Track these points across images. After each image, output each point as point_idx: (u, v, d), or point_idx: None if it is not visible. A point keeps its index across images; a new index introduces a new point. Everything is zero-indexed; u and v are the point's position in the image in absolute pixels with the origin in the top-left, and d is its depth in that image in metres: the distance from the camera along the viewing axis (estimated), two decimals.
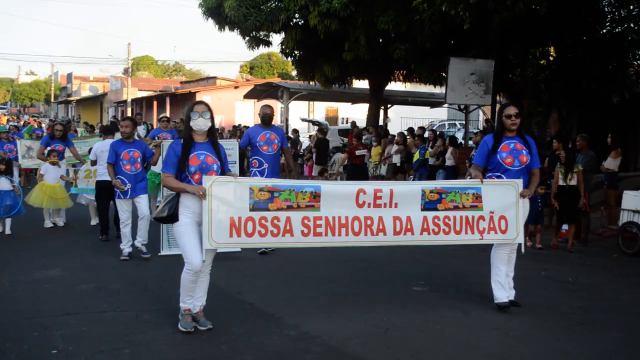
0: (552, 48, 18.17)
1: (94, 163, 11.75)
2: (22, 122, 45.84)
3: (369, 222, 6.87)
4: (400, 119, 34.43)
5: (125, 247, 10.13)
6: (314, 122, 31.49)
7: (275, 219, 6.53)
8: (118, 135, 13.64)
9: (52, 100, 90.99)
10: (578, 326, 7.28)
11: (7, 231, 11.86)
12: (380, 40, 21.64)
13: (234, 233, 6.37)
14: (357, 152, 17.46)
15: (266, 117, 10.65)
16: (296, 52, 25.76)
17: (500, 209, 7.20)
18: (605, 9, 17.43)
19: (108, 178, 10.86)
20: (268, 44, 26.55)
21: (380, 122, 29.07)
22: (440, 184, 7.58)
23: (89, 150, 12.32)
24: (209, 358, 6.18)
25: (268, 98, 34.50)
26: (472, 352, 6.32)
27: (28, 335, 6.66)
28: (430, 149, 17.69)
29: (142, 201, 10.23)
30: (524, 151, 7.40)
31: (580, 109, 18.24)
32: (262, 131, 10.39)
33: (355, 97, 33.53)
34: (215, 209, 6.23)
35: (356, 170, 17.76)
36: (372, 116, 27.35)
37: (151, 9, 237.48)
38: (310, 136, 30.95)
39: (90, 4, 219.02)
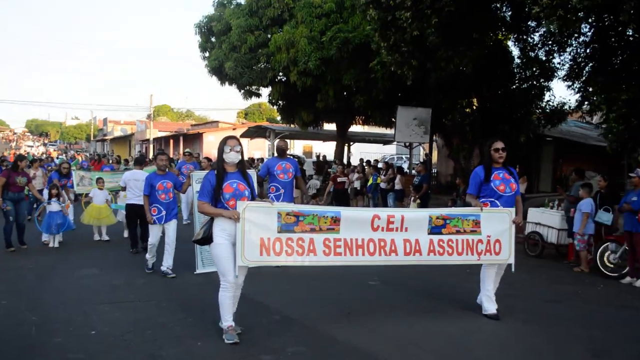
0: (474, 99, 18.43)
1: (123, 189, 11.42)
2: (70, 156, 45.57)
3: (382, 243, 6.40)
4: (360, 153, 34.48)
5: (150, 260, 9.32)
6: (294, 156, 31.52)
7: (300, 240, 6.03)
8: (147, 167, 13.69)
9: (92, 138, 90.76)
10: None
11: (55, 245, 11.56)
12: (345, 93, 21.74)
13: (264, 252, 5.86)
14: (339, 179, 17.31)
15: (281, 150, 10.20)
16: (280, 102, 25.77)
17: (495, 234, 6.79)
18: (514, 69, 17.71)
19: (136, 202, 10.57)
20: (258, 95, 26.78)
21: (345, 156, 29.21)
22: (445, 211, 6.91)
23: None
24: (217, 333, 6.20)
25: (259, 137, 34.61)
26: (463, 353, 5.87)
27: (73, 319, 6.71)
28: (382, 176, 17.80)
29: (171, 227, 9.23)
30: (512, 179, 7.00)
31: None
32: (279, 162, 9.85)
33: (325, 137, 33.50)
34: (247, 230, 5.74)
35: (339, 193, 17.40)
36: (339, 151, 27.38)
37: (168, 68, 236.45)
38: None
39: (121, 62, 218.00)
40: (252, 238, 5.79)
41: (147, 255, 9.38)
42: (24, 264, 9.84)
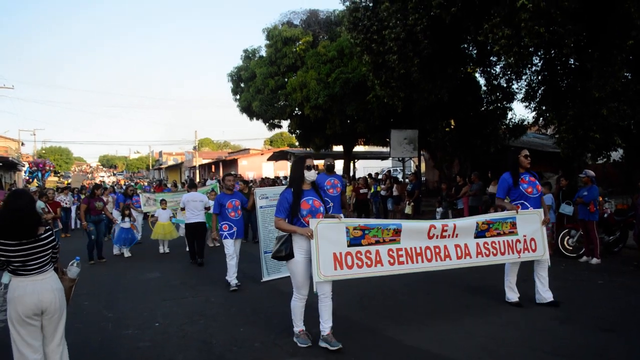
0: (452, 120, 18.36)
1: (183, 209, 10.88)
2: (135, 182, 45.96)
3: (437, 250, 5.78)
4: (363, 167, 34.52)
5: (232, 279, 8.04)
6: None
7: (367, 252, 5.32)
8: (200, 189, 13.58)
9: (150, 168, 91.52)
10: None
11: (128, 254, 11.71)
12: (348, 121, 21.75)
13: (338, 266, 5.12)
14: (361, 191, 17.00)
15: (330, 167, 9.01)
16: (297, 131, 25.87)
17: (530, 233, 6.29)
18: (482, 95, 17.64)
19: (194, 220, 10.34)
20: (280, 126, 26.95)
21: (351, 171, 29.19)
22: (489, 216, 6.31)
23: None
24: (252, 318, 6.19)
25: (282, 160, 34.62)
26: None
27: (140, 313, 6.75)
28: (382, 185, 17.69)
29: (239, 243, 8.30)
30: (536, 182, 6.50)
31: (472, 156, 18.44)
32: (328, 177, 8.80)
33: (335, 156, 33.54)
34: (321, 246, 5.02)
35: (361, 203, 16.67)
36: (346, 167, 27.44)
37: (209, 109, 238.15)
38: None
39: (173, 110, 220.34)
40: (326, 253, 5.08)
41: (229, 276, 8.11)
42: (101, 272, 9.89)
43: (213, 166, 53.65)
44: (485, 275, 7.60)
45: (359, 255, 5.26)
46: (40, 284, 3.92)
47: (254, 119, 25.23)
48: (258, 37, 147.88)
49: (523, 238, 6.26)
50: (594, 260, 9.25)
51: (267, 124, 25.70)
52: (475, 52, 16.44)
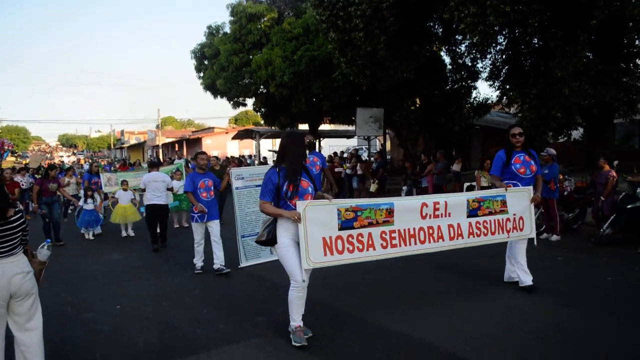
0: (417, 99, 18.45)
1: (143, 190, 10.04)
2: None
3: (430, 231, 5.39)
4: (329, 146, 34.48)
5: (198, 262, 7.71)
6: (275, 152, 31.37)
7: (359, 235, 4.88)
8: (163, 169, 12.88)
9: (112, 147, 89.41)
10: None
11: (91, 237, 11.29)
12: (314, 99, 21.60)
13: (327, 252, 4.69)
14: (336, 170, 16.82)
15: (311, 144, 8.36)
16: (263, 109, 25.54)
17: (519, 211, 6.00)
18: (447, 74, 17.76)
19: (156, 202, 9.67)
20: (245, 105, 26.53)
21: (316, 149, 29.10)
22: (479, 194, 6.07)
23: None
24: (219, 300, 6.09)
25: (247, 138, 34.29)
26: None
27: (101, 297, 6.60)
28: (348, 164, 17.68)
29: (215, 225, 7.63)
30: (532, 162, 6.18)
31: (437, 135, 18.59)
32: (307, 156, 7.94)
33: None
34: (310, 231, 4.57)
35: (335, 181, 16.48)
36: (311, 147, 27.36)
37: (172, 86, 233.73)
38: (274, 161, 30.81)
39: (134, 87, 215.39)
40: (315, 238, 4.62)
41: (196, 259, 7.78)
42: (60, 254, 9.55)
43: (177, 145, 52.88)
44: (463, 256, 7.46)
45: (350, 239, 4.85)
46: (10, 267, 3.77)
47: (218, 97, 24.81)
48: (222, 14, 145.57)
49: (513, 217, 6.00)
50: (554, 237, 9.43)
51: (232, 102, 25.29)
52: (441, 30, 16.50)
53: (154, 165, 11.35)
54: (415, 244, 5.32)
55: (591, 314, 5.28)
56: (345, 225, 4.81)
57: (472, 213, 5.72)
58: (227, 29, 24.02)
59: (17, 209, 3.92)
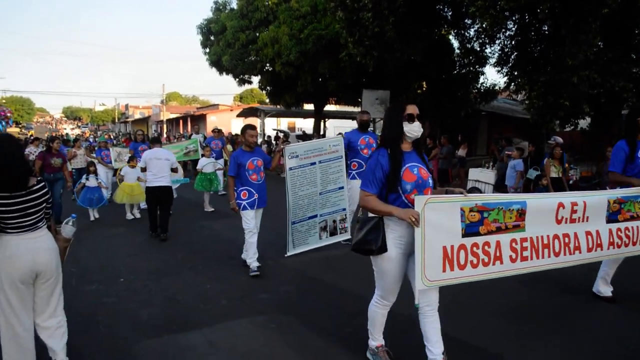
0: (424, 82, 18.36)
1: (143, 170, 8.72)
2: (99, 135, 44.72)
3: (566, 239, 4.19)
4: (334, 127, 34.40)
5: (253, 261, 6.31)
6: (280, 131, 31.23)
7: (485, 244, 3.65)
8: (180, 143, 12.10)
9: (116, 121, 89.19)
10: None
11: (94, 217, 10.29)
12: (320, 79, 21.47)
13: (447, 266, 3.47)
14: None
15: (363, 123, 7.31)
16: (268, 88, 25.35)
17: None
18: (455, 58, 17.63)
19: (157, 184, 8.44)
20: (250, 82, 26.21)
21: (321, 130, 29.06)
22: (620, 193, 4.66)
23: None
24: (221, 275, 6.10)
25: (251, 116, 34.22)
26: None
27: (105, 269, 6.69)
28: None
29: (260, 214, 6.52)
30: None
31: (443, 119, 18.54)
32: (362, 135, 7.21)
33: (305, 115, 33.23)
34: (428, 237, 3.34)
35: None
36: (316, 127, 27.26)
37: (177, 62, 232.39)
38: (277, 139, 30.82)
39: (139, 62, 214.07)
40: (433, 248, 3.40)
41: (248, 256, 6.41)
42: None
43: (181, 121, 52.72)
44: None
45: (474, 249, 3.62)
46: (34, 242, 3.45)
47: (224, 73, 24.62)
48: None
49: None
50: None
51: (237, 80, 25.13)
52: (450, 13, 16.31)
53: (156, 141, 9.74)
54: (549, 256, 4.11)
55: (592, 300, 5.29)
56: (469, 230, 3.59)
57: (612, 217, 4.58)
58: (234, 5, 23.78)
59: (39, 178, 3.60)
